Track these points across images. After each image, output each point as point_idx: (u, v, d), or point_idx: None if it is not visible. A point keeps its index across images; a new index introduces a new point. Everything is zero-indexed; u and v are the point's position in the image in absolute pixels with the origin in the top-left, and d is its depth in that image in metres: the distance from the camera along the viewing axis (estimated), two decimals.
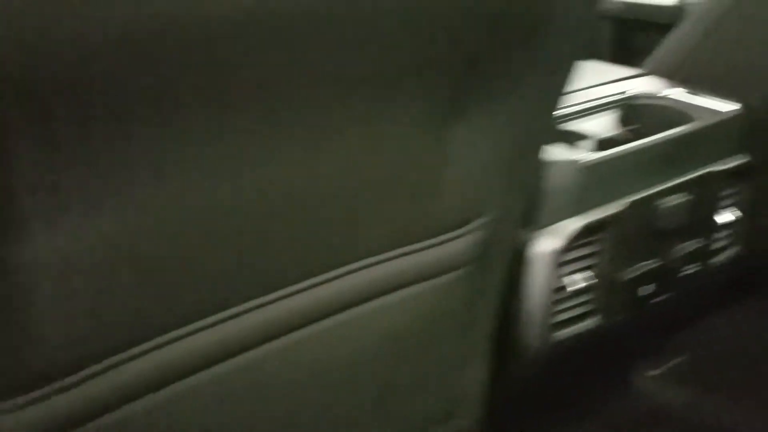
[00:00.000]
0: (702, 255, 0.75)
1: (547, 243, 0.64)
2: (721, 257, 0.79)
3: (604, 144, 0.71)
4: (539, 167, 0.55)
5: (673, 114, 0.77)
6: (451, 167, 0.49)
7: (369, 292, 0.50)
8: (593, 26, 0.50)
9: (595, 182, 0.65)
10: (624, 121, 0.78)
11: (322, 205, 0.45)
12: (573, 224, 0.65)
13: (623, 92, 0.79)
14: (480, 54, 0.43)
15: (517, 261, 0.65)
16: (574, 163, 0.64)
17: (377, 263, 0.49)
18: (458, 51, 0.42)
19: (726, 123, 0.74)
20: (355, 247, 0.48)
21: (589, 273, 0.67)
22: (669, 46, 0.85)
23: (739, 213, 0.77)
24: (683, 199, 0.70)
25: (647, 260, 0.70)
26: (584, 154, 0.66)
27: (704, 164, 0.73)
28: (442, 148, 0.48)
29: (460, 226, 0.51)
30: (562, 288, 0.67)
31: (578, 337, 0.69)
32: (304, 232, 0.45)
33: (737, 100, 0.77)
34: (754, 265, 0.99)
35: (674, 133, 0.71)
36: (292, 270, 0.46)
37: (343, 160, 0.44)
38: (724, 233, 0.78)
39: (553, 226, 0.65)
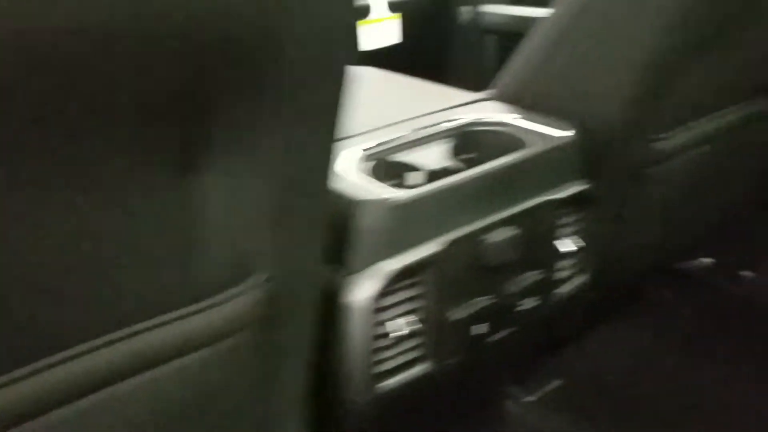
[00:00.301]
0: (542, 287, 0.72)
1: (362, 288, 0.59)
2: (566, 287, 0.76)
3: (434, 176, 0.67)
4: (328, 209, 0.49)
5: (508, 141, 0.73)
6: (206, 224, 0.43)
7: (130, 367, 0.43)
8: (354, 36, 0.44)
9: (412, 220, 0.61)
10: (459, 150, 0.74)
11: (53, 276, 0.39)
12: (390, 266, 0.60)
13: (460, 119, 0.76)
14: (197, 93, 0.37)
15: (330, 310, 0.60)
16: (385, 201, 0.59)
17: (132, 335, 0.43)
18: (172, 92, 0.36)
19: (560, 149, 0.71)
20: (100, 318, 0.42)
21: (413, 317, 0.63)
22: (512, 67, 0.82)
23: (581, 242, 0.75)
24: (515, 232, 0.67)
25: (478, 298, 0.67)
26: (398, 191, 0.61)
27: (539, 193, 0.70)
28: (189, 204, 0.42)
29: (227, 288, 0.45)
30: (385, 335, 0.62)
31: (409, 385, 0.65)
32: (37, 305, 0.39)
33: (576, 124, 0.75)
34: (611, 291, 0.98)
35: (502, 163, 0.67)
36: (33, 347, 0.39)
37: (74, 223, 0.38)
38: (567, 263, 0.76)
39: (369, 270, 0.59)
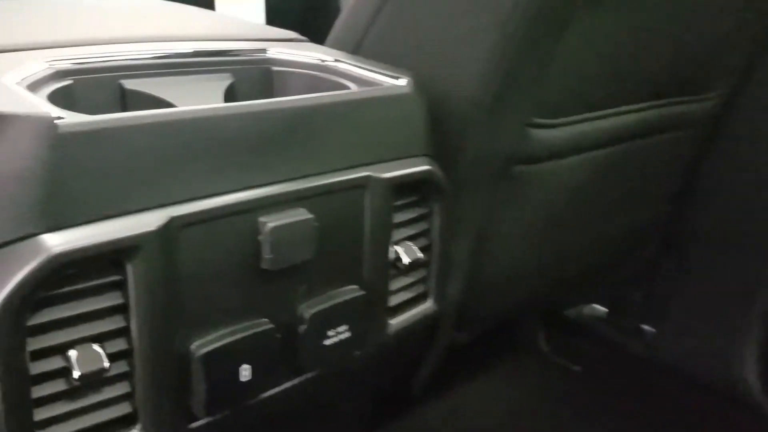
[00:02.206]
0: (361, 313, 0.47)
1: None
2: (403, 318, 0.52)
3: None
4: None
5: (324, 89, 0.49)
6: None
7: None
8: None
9: (105, 166, 0.34)
10: (246, 94, 0.49)
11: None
12: (57, 244, 0.33)
13: (255, 52, 0.51)
14: None
15: None
16: (47, 121, 0.33)
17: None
18: None
19: (395, 101, 0.46)
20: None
21: (114, 344, 0.36)
22: (349, 11, 0.58)
23: (419, 253, 0.50)
24: (309, 216, 0.41)
25: (242, 323, 0.41)
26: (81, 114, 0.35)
27: (357, 162, 0.45)
28: None
29: None
30: (55, 375, 0.35)
31: None
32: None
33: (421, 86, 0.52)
34: (473, 331, 0.74)
35: (296, 102, 0.41)
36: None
37: None
38: (402, 281, 0.52)
39: (7, 251, 0.32)
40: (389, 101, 0.46)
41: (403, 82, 0.47)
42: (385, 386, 0.63)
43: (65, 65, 0.41)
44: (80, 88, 0.41)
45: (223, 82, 0.47)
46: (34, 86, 0.38)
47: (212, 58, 0.47)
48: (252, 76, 0.49)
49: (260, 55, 0.50)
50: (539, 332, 1.02)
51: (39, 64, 0.40)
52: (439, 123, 0.52)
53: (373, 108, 0.45)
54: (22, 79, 0.38)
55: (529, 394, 0.96)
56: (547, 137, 0.59)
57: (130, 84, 0.43)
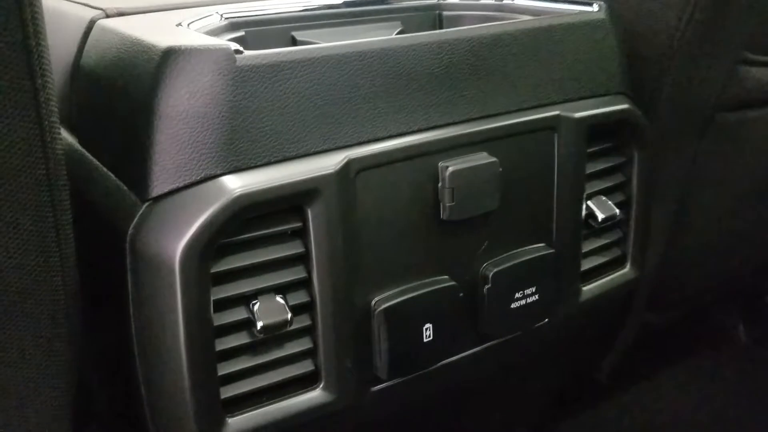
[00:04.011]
0: (551, 276, 0.42)
1: (177, 228, 0.31)
2: (596, 285, 0.46)
3: None
4: None
5: None
6: None
7: None
8: None
9: (284, 103, 0.32)
10: None
11: None
12: (238, 187, 0.32)
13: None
14: None
15: (114, 275, 0.32)
16: (228, 53, 0.31)
17: None
18: None
19: (587, 28, 0.41)
20: None
21: (297, 296, 0.34)
22: None
23: (613, 208, 0.44)
24: (493, 160, 0.37)
25: (420, 279, 0.38)
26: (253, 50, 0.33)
27: (547, 100, 0.40)
28: None
29: None
30: (235, 328, 0.34)
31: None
32: None
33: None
34: (666, 313, 0.65)
35: (478, 32, 0.37)
36: None
37: None
38: (596, 242, 0.46)
39: (191, 192, 0.32)
40: (581, 28, 0.40)
41: (596, 7, 0.42)
42: (569, 367, 0.57)
43: (238, 17, 0.40)
44: (253, 39, 0.40)
45: (393, 30, 0.44)
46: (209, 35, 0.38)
47: (381, 6, 0.45)
48: (422, 22, 0.46)
49: (430, 1, 0.47)
50: (738, 321, 0.91)
51: (213, 17, 0.40)
52: (631, 60, 0.46)
53: (563, 36, 0.40)
54: (197, 29, 0.38)
55: (728, 391, 0.85)
56: (763, 77, 0.50)
57: (301, 35, 0.42)
